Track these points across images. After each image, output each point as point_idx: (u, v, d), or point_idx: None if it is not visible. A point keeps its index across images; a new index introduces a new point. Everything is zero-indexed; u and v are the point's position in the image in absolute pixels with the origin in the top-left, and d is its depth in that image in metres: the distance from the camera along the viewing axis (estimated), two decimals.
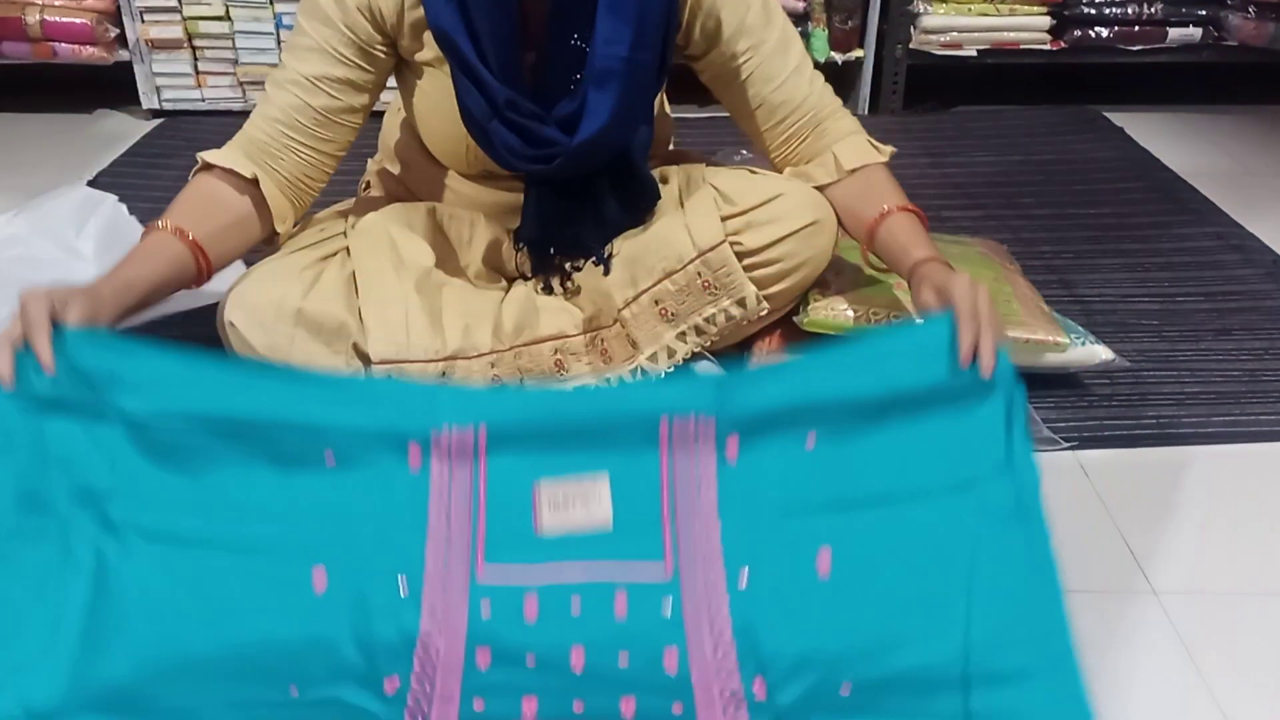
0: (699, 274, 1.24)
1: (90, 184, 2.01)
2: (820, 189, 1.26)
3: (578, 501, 0.98)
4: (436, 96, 1.25)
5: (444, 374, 1.20)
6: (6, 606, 0.91)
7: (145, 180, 2.05)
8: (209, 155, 1.19)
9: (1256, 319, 1.57)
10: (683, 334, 1.27)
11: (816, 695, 0.89)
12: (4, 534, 0.92)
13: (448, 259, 1.31)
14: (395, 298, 1.20)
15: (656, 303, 1.26)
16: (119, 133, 2.38)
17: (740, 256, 1.23)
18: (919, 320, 1.02)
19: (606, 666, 0.91)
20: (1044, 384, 1.36)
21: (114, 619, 0.92)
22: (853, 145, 1.26)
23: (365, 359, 1.19)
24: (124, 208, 1.69)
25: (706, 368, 1.31)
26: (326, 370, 1.18)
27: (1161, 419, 1.34)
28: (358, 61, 1.21)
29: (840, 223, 1.27)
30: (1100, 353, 1.36)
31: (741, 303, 1.24)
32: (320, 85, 1.20)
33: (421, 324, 1.20)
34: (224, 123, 2.39)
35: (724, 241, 1.22)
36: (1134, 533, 1.15)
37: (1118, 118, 2.43)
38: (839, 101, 1.30)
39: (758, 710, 0.88)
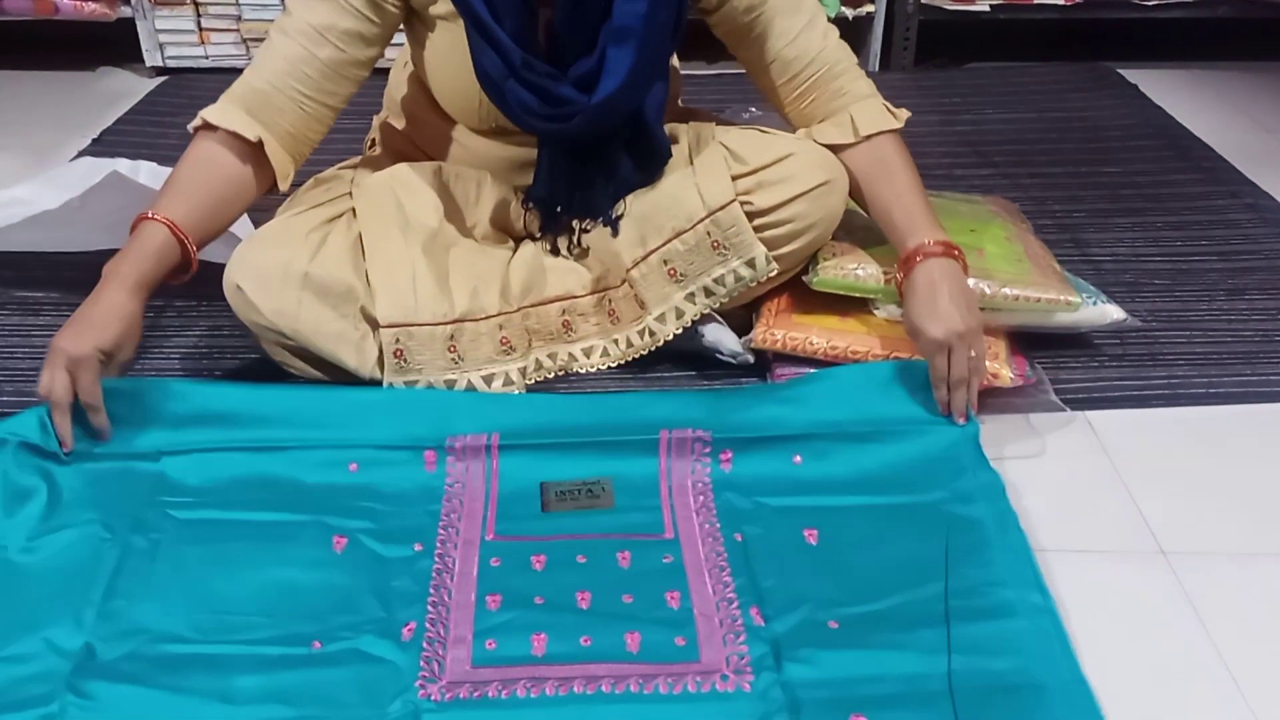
0: (708, 233, 1.23)
1: (94, 142, 2.00)
2: (835, 149, 1.25)
3: (583, 493, 1.10)
4: (448, 51, 1.24)
5: (452, 336, 1.19)
6: (40, 582, 0.98)
7: (149, 139, 2.04)
8: (210, 115, 1.18)
9: (1269, 278, 1.55)
10: (691, 295, 1.26)
11: (807, 628, 0.94)
12: (45, 528, 1.03)
13: (454, 218, 1.30)
14: (402, 260, 1.19)
15: (665, 263, 1.25)
16: (122, 90, 2.36)
17: (750, 217, 1.22)
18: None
19: (611, 604, 0.97)
20: (1053, 344, 1.35)
21: (142, 572, 0.99)
22: (870, 109, 1.25)
23: (373, 322, 1.19)
24: (143, 163, 1.67)
25: (715, 331, 1.30)
26: (346, 383, 1.21)
27: (1172, 379, 1.33)
28: (367, 14, 1.19)
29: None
30: (1112, 312, 1.34)
31: (751, 263, 1.23)
32: (327, 37, 1.18)
33: (429, 286, 1.19)
34: (228, 80, 2.32)
35: (734, 201, 1.21)
36: (1143, 493, 1.14)
37: (1132, 75, 2.39)
38: (855, 60, 1.29)
39: (755, 635, 0.93)
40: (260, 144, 1.18)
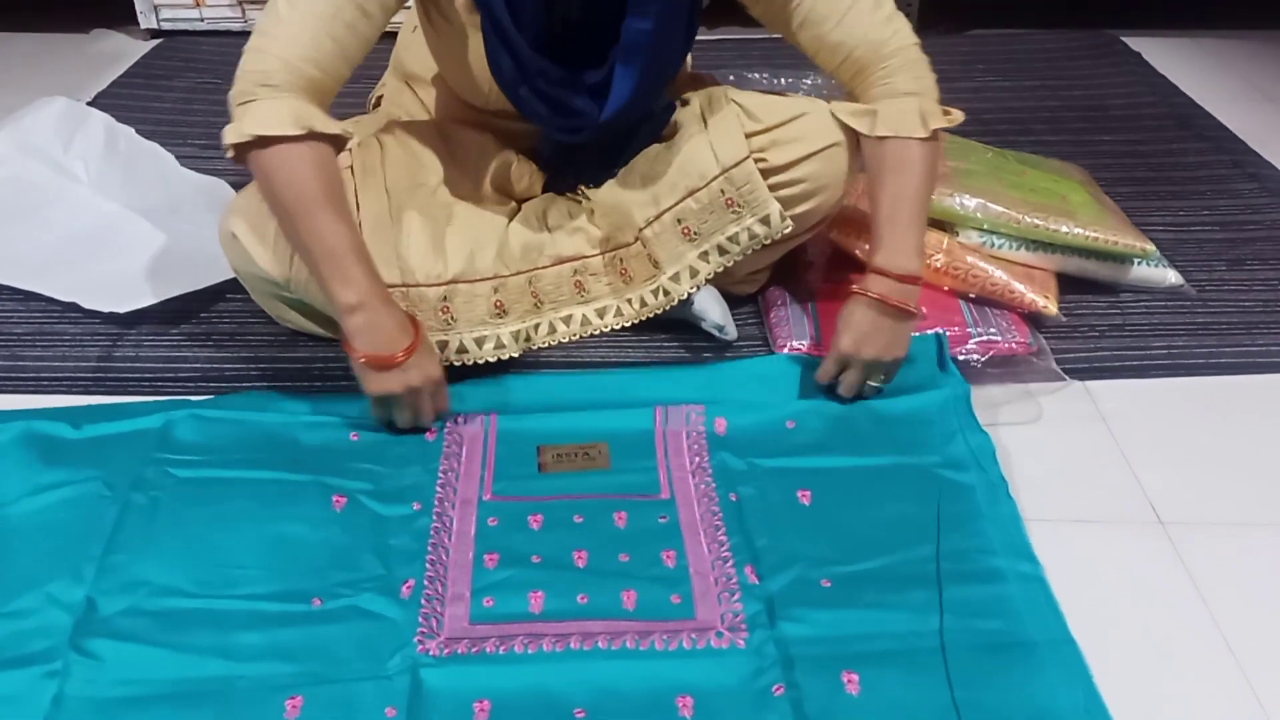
0: (722, 191, 1.21)
1: (89, 105, 1.98)
2: (859, 139, 1.20)
3: (580, 455, 1.12)
4: (463, 40, 1.20)
5: (445, 297, 1.19)
6: (41, 538, 0.99)
7: (144, 102, 2.02)
8: (316, 123, 1.04)
9: (1270, 249, 1.55)
10: (705, 253, 1.25)
11: (800, 586, 0.95)
12: (45, 485, 1.04)
13: (453, 177, 1.28)
14: (397, 219, 1.18)
15: (679, 221, 1.24)
16: (116, 53, 2.33)
17: (764, 175, 1.21)
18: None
19: (608, 563, 0.98)
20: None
21: (142, 528, 1.00)
22: (900, 109, 1.16)
23: None
24: (123, 128, 1.66)
25: (705, 299, 1.29)
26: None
27: (1172, 349, 1.33)
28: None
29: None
30: (1170, 276, 1.41)
31: (765, 220, 1.22)
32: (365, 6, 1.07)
33: (423, 247, 1.18)
34: (223, 43, 2.35)
35: (748, 157, 1.20)
36: (1142, 463, 1.14)
37: (1135, 42, 2.37)
38: (916, 49, 1.19)
39: (750, 593, 0.94)
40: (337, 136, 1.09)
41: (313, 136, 1.03)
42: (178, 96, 2.07)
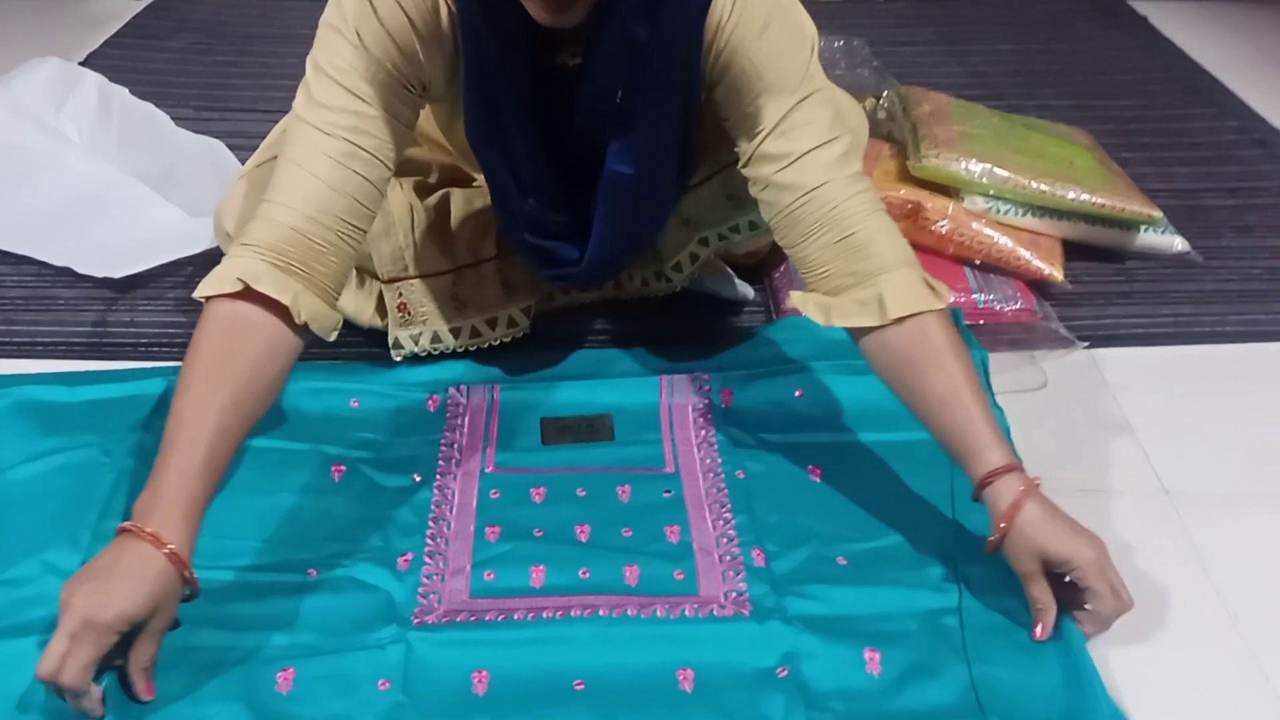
0: (723, 184, 1.18)
1: (82, 65, 1.95)
2: (859, 333, 0.95)
3: (583, 427, 1.10)
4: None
5: (453, 284, 1.17)
6: (38, 505, 0.98)
7: (136, 63, 1.99)
8: (261, 284, 0.85)
9: (1278, 215, 1.53)
10: (705, 239, 1.23)
11: (814, 564, 0.94)
12: (43, 451, 1.02)
13: (453, 167, 1.25)
14: (399, 211, 1.16)
15: (678, 213, 1.21)
16: (108, 13, 2.29)
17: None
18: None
19: (610, 537, 0.97)
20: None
21: (138, 494, 0.93)
22: (902, 282, 0.93)
23: (373, 275, 1.16)
24: (117, 88, 1.63)
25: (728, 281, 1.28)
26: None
27: (1179, 317, 1.32)
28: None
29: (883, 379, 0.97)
30: (1176, 242, 1.40)
31: None
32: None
33: (427, 237, 1.16)
34: (218, 5, 2.31)
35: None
36: (1147, 433, 1.13)
37: (1141, 7, 2.35)
38: (873, 199, 0.96)
39: (755, 574, 0.93)
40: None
41: (250, 295, 0.85)
42: (171, 57, 2.04)
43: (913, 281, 0.93)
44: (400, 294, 1.15)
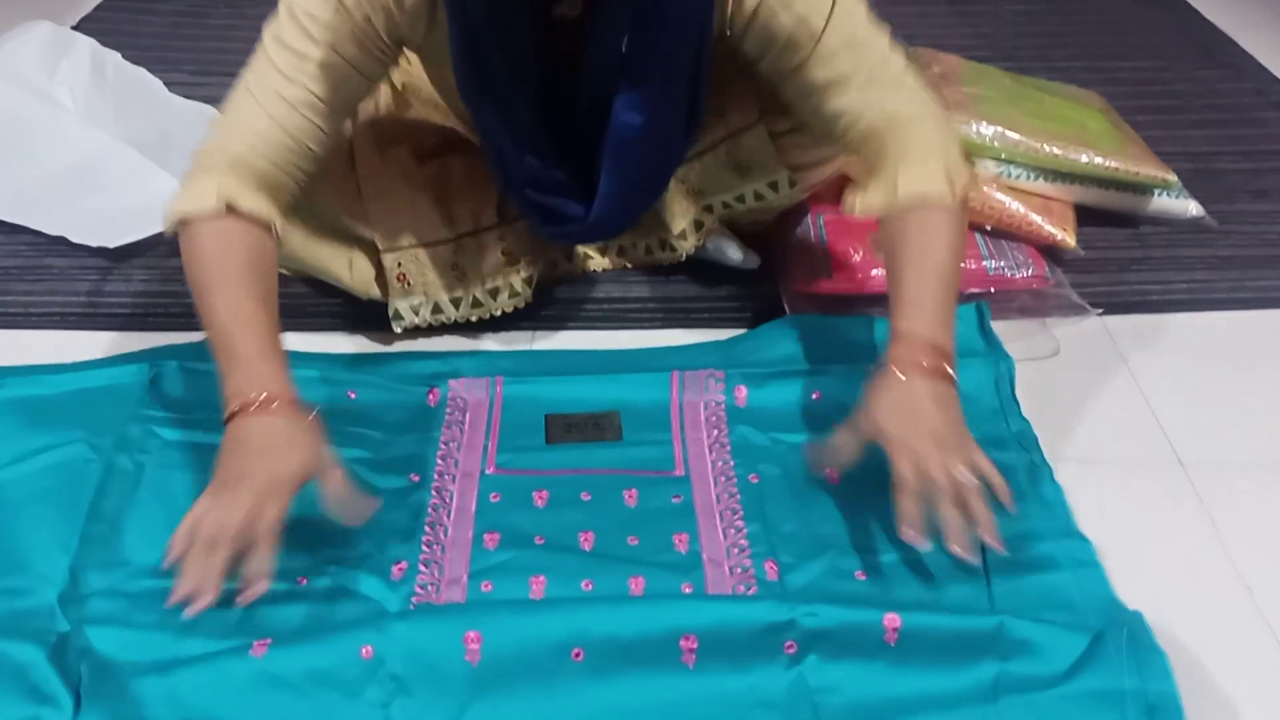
0: (729, 154, 1.16)
1: (74, 29, 1.91)
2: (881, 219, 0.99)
3: (590, 426, 1.05)
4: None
5: (454, 254, 1.15)
6: (27, 508, 0.95)
7: (128, 27, 1.95)
8: (241, 201, 0.92)
9: None
10: (709, 207, 1.21)
11: (829, 579, 0.89)
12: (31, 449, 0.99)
13: (451, 133, 1.23)
14: (397, 179, 1.14)
15: (683, 181, 1.19)
16: None
17: (774, 136, 1.14)
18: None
19: (616, 546, 0.92)
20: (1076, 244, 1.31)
21: (126, 496, 0.96)
22: (922, 175, 0.95)
23: (372, 246, 1.14)
24: (110, 53, 1.60)
25: (717, 239, 1.25)
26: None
27: (1193, 283, 1.29)
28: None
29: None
30: (1191, 207, 1.37)
31: (774, 185, 1.17)
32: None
33: (426, 206, 1.14)
34: None
35: (759, 122, 1.13)
36: (1161, 402, 1.11)
37: None
38: (930, 105, 1.00)
39: (767, 589, 0.88)
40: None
41: (235, 214, 0.91)
42: (164, 21, 2.00)
43: (931, 174, 0.95)
44: (400, 264, 1.13)
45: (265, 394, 0.85)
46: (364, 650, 0.80)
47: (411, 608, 0.86)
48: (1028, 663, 0.80)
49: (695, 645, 0.81)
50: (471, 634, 0.80)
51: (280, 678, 0.79)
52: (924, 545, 0.84)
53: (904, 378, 0.88)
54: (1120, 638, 0.80)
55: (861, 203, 0.98)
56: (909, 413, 0.87)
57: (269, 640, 0.81)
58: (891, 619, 0.81)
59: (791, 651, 0.81)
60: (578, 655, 0.80)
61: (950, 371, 0.89)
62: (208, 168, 0.93)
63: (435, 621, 0.82)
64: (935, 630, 0.81)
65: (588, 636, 0.80)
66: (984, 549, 0.87)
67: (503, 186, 1.09)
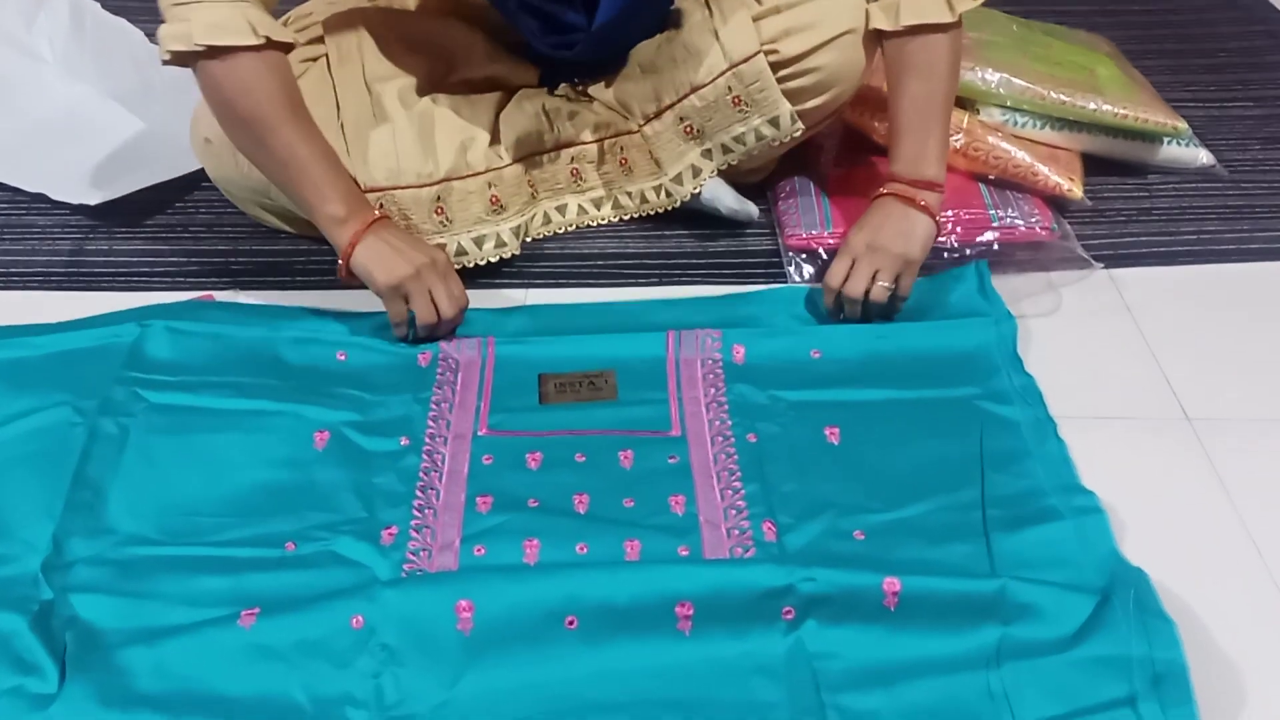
0: (729, 88, 1.12)
1: None
2: (878, 35, 1.10)
3: (584, 385, 1.03)
4: None
5: (438, 197, 1.11)
6: (11, 473, 0.93)
7: None
8: (273, 32, 0.96)
9: None
10: (708, 151, 1.18)
11: (828, 539, 0.87)
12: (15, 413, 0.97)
13: (440, 69, 1.19)
14: (380, 117, 1.10)
15: (681, 119, 1.16)
16: None
17: (775, 68, 1.11)
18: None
19: (611, 509, 0.90)
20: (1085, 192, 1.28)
21: (110, 461, 0.94)
22: None
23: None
24: (89, 3, 1.56)
25: (713, 188, 1.22)
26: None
27: (1202, 234, 1.26)
28: None
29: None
30: (1201, 155, 1.34)
31: (775, 122, 1.14)
32: None
33: (411, 145, 1.10)
34: None
35: (759, 52, 1.10)
36: (1168, 356, 1.09)
37: None
38: None
39: (765, 550, 0.86)
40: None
41: (270, 46, 0.95)
42: None
43: None
44: (381, 205, 1.09)
45: (377, 212, 1.03)
46: (354, 620, 0.78)
47: (403, 574, 0.84)
48: (1031, 627, 0.79)
49: (691, 612, 0.79)
50: (463, 603, 0.79)
51: (269, 648, 0.78)
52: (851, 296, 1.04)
53: (893, 205, 1.06)
54: (1127, 602, 0.78)
55: (870, 23, 1.08)
56: (874, 228, 1.06)
57: (257, 610, 0.79)
58: (891, 583, 0.79)
59: (789, 617, 0.80)
60: (571, 623, 0.79)
61: (935, 210, 1.07)
62: None
63: (426, 590, 0.81)
64: (936, 594, 0.80)
65: (581, 604, 0.79)
66: (984, 510, 0.87)
67: None
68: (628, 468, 0.95)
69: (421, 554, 0.87)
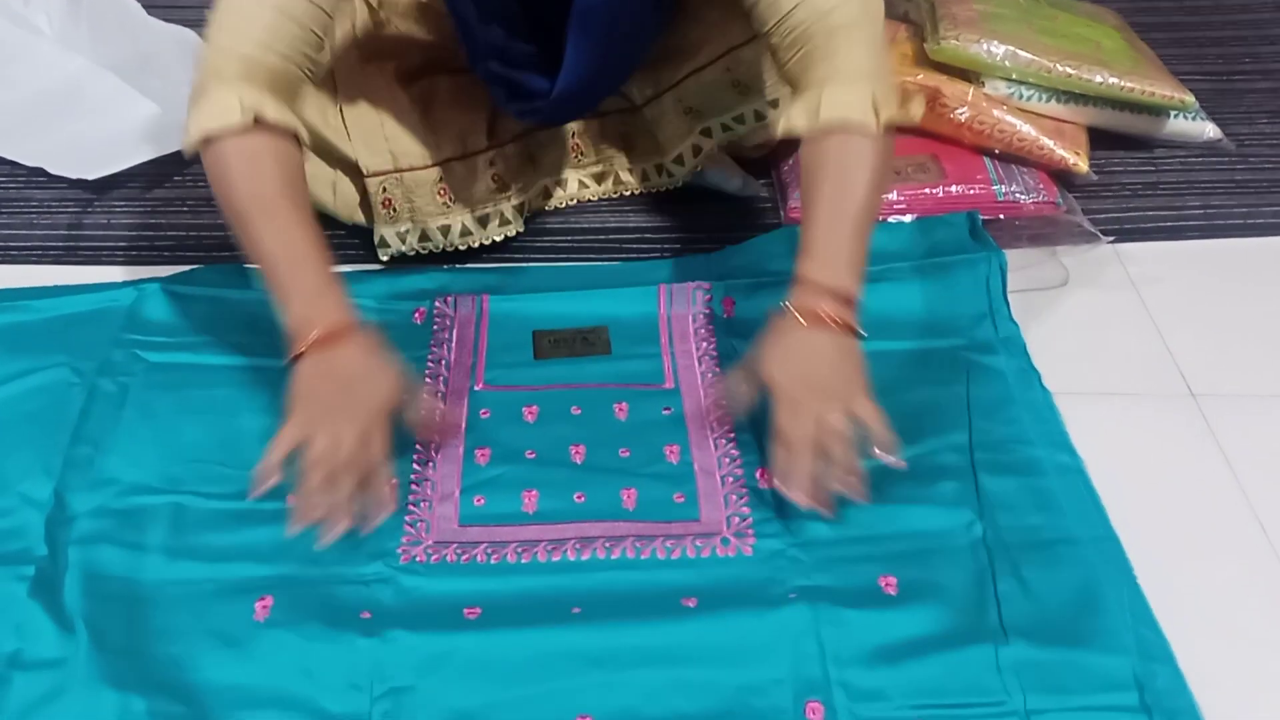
0: (728, 69, 1.11)
1: None
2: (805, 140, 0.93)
3: (578, 341, 1.04)
4: None
5: (440, 178, 1.10)
6: (10, 431, 0.94)
7: None
8: (266, 110, 0.87)
9: None
10: (708, 130, 1.16)
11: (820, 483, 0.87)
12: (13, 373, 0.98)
13: (437, 54, 1.18)
14: (380, 100, 1.09)
15: (679, 101, 1.15)
16: None
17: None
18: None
19: (607, 459, 0.92)
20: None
21: (110, 418, 0.95)
22: (849, 95, 0.89)
23: (354, 168, 1.10)
24: None
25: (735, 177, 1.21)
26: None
27: (1208, 208, 1.25)
28: None
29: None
30: (1208, 129, 1.33)
31: (775, 103, 1.13)
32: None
33: (413, 127, 1.09)
34: None
35: (758, 36, 1.09)
36: (1173, 332, 1.08)
37: None
38: (871, 19, 0.92)
39: (759, 497, 0.89)
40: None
41: (263, 127, 0.86)
42: None
43: (857, 99, 0.88)
44: (384, 189, 1.09)
45: (336, 325, 0.84)
46: (364, 614, 0.80)
47: (405, 527, 0.86)
48: (1026, 594, 0.81)
49: (696, 603, 0.80)
50: (471, 610, 0.80)
51: (279, 640, 0.78)
52: (800, 501, 0.83)
53: (803, 325, 0.86)
54: (1124, 613, 0.79)
55: (785, 123, 0.92)
56: (799, 362, 0.86)
57: (270, 599, 0.81)
58: (887, 580, 0.82)
59: (794, 597, 0.80)
60: (576, 611, 0.80)
61: (853, 323, 0.87)
62: (220, 76, 0.87)
63: (435, 592, 0.82)
64: (933, 587, 0.81)
65: (586, 596, 0.80)
66: (972, 453, 0.90)
67: (469, 59, 1.04)
68: (623, 419, 0.96)
69: (423, 505, 0.88)
